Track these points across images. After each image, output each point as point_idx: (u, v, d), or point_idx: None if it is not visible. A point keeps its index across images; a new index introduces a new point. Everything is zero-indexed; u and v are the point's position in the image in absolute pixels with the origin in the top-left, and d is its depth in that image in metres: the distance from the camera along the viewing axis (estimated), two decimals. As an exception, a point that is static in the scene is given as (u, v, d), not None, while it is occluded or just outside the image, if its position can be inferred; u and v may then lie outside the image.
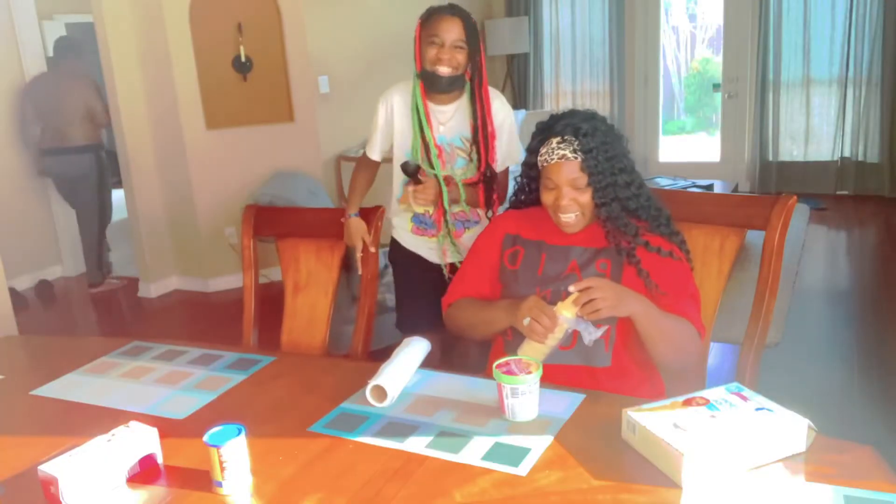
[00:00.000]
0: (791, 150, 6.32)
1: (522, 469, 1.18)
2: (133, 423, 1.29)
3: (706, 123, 8.58)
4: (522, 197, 1.78)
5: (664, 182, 5.03)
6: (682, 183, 5.02)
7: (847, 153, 6.09)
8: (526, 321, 1.48)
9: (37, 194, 5.12)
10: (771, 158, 6.31)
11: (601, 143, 1.58)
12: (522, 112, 6.61)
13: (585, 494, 1.12)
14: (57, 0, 7.38)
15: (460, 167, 2.07)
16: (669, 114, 8.57)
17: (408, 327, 2.16)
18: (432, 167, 2.05)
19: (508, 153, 2.14)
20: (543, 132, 1.64)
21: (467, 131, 2.07)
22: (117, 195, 5.04)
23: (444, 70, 1.98)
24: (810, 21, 5.94)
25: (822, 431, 1.20)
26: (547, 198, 1.63)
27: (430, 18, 2.01)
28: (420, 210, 2.09)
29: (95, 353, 1.81)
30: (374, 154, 2.23)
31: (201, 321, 4.34)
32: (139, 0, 4.35)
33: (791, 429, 1.18)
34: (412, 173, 2.02)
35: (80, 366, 1.74)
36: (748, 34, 6.19)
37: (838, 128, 6.07)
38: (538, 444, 1.25)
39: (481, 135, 2.05)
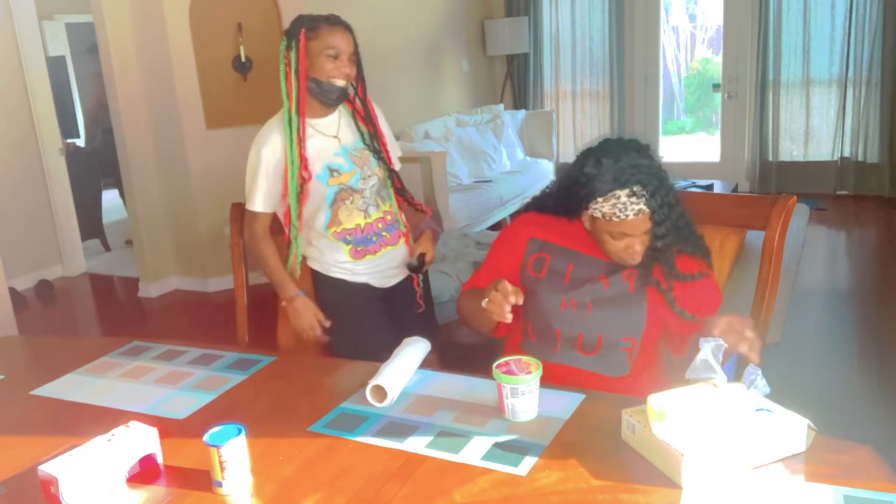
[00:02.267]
0: (791, 150, 6.32)
1: (522, 469, 1.19)
2: (133, 423, 1.29)
3: (706, 123, 8.59)
4: (549, 205, 1.72)
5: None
6: (682, 183, 5.02)
7: (847, 153, 6.08)
8: (484, 303, 1.48)
9: (37, 194, 5.12)
10: (771, 158, 6.31)
11: (663, 187, 1.52)
12: (522, 112, 6.61)
13: (585, 494, 1.12)
14: (57, 0, 7.38)
15: (376, 165, 2.04)
16: (669, 114, 8.58)
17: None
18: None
19: (394, 149, 2.13)
20: (600, 179, 1.51)
21: (358, 134, 2.04)
22: (117, 195, 5.04)
23: (340, 83, 1.92)
24: (810, 21, 5.93)
25: (822, 431, 1.20)
26: (613, 246, 1.56)
27: (319, 29, 1.89)
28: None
29: (95, 353, 1.81)
30: (265, 205, 2.03)
31: (201, 321, 4.33)
32: (139, 0, 4.35)
33: (791, 429, 1.18)
34: (418, 268, 2.03)
35: (80, 366, 1.74)
36: (748, 34, 6.19)
37: (838, 128, 6.07)
38: (538, 444, 1.25)
39: (381, 142, 2.04)
